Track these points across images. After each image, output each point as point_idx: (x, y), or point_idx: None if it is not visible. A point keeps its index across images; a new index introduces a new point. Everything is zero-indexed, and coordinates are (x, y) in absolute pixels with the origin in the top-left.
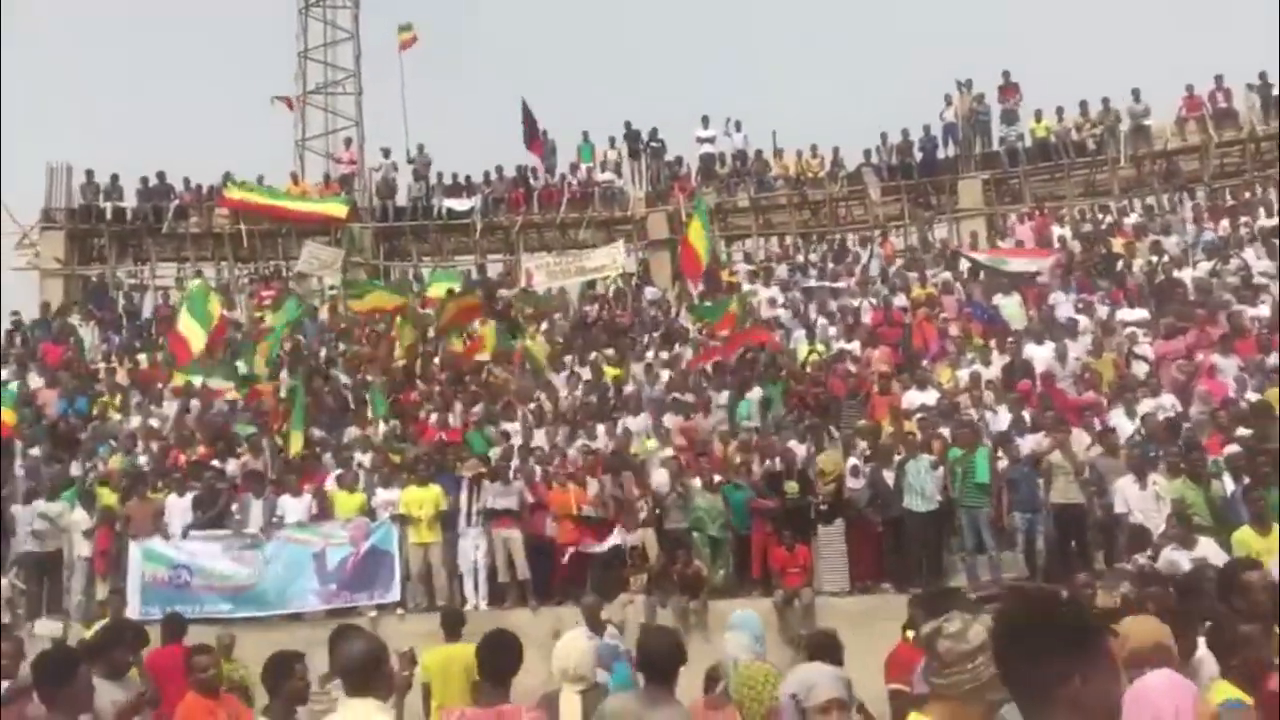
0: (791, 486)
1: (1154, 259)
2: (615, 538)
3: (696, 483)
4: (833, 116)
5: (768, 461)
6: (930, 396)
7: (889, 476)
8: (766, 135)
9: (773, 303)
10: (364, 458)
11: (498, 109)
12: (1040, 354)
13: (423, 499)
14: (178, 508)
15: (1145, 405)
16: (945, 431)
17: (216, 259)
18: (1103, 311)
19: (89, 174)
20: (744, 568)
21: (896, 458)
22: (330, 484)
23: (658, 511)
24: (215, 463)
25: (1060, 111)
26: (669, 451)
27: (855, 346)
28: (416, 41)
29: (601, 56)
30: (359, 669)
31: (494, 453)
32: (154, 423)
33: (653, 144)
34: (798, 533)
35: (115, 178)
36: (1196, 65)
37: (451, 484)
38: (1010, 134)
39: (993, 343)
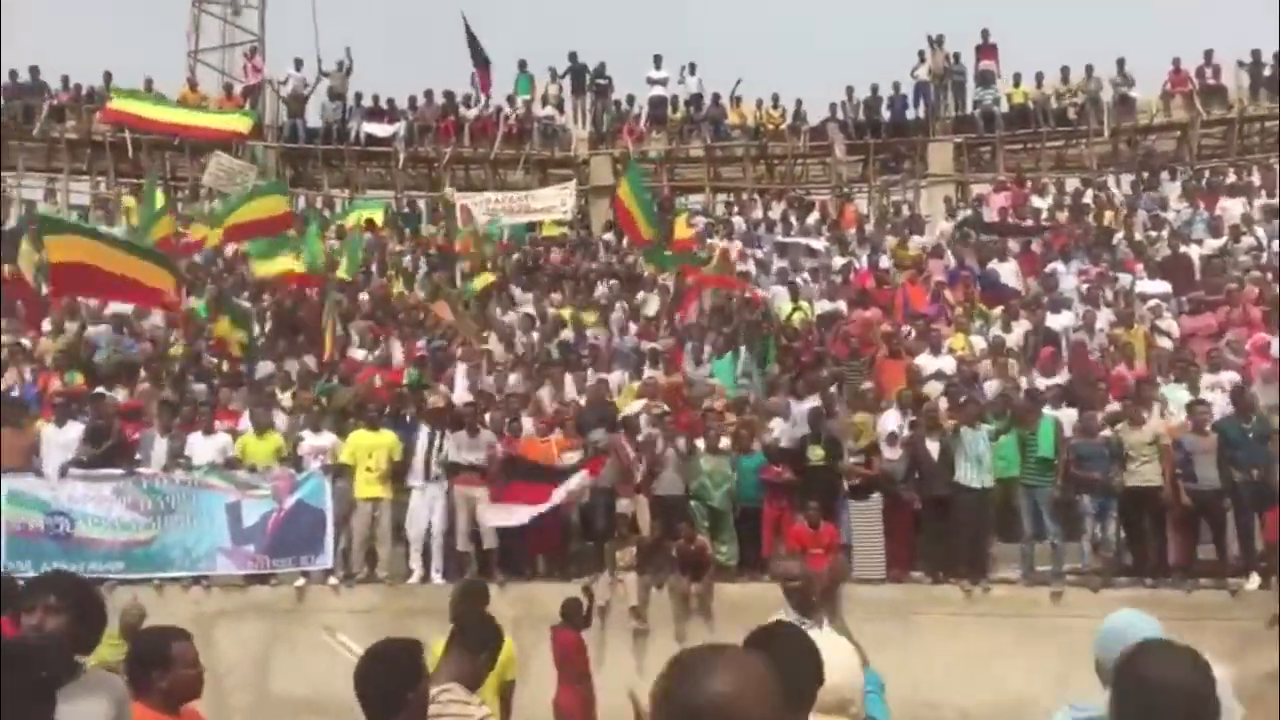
0: (817, 453)
1: (1154, 234)
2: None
3: (700, 443)
4: (795, 67)
5: (773, 424)
6: (946, 363)
7: (932, 448)
8: (723, 82)
9: (743, 257)
10: (283, 397)
11: (423, 27)
12: (1058, 323)
13: (374, 445)
14: (56, 441)
15: (1205, 381)
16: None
17: (94, 171)
18: (1125, 282)
19: None
20: (747, 545)
21: (949, 424)
22: (244, 425)
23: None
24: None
25: (1040, 77)
26: (638, 405)
27: (842, 306)
28: None
29: None
30: None
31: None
32: (25, 343)
33: (599, 81)
34: (826, 508)
35: None
36: (1186, 38)
37: (403, 431)
38: (985, 97)
39: (999, 310)
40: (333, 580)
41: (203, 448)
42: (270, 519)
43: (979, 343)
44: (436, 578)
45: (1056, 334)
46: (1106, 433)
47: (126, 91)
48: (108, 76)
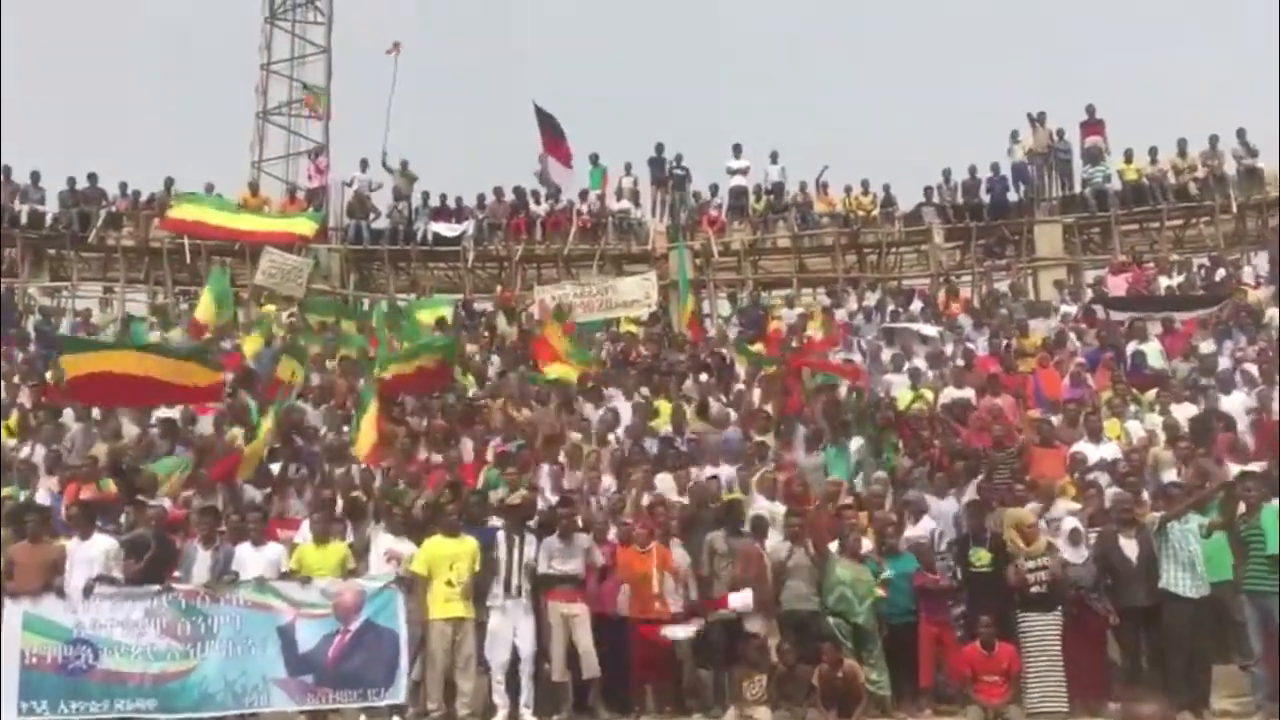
0: (982, 556)
1: None
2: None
3: (833, 547)
4: (884, 152)
5: (920, 522)
6: (1109, 450)
7: (1128, 548)
8: (806, 169)
9: (846, 346)
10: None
11: (491, 128)
12: (1229, 404)
13: (455, 555)
14: (81, 558)
15: None
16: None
17: (150, 280)
18: None
19: (5, 171)
20: (898, 669)
21: (1150, 518)
22: (302, 535)
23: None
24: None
25: (1154, 152)
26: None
27: (969, 394)
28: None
29: (612, 69)
30: None
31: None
32: (59, 448)
33: (675, 171)
34: (999, 624)
35: (36, 177)
36: None
37: (483, 539)
38: (1095, 175)
39: (1151, 394)
40: (395, 718)
41: (252, 560)
42: (333, 643)
43: (1134, 429)
44: (526, 715)
45: (1227, 416)
46: None
47: (187, 195)
48: (169, 182)
